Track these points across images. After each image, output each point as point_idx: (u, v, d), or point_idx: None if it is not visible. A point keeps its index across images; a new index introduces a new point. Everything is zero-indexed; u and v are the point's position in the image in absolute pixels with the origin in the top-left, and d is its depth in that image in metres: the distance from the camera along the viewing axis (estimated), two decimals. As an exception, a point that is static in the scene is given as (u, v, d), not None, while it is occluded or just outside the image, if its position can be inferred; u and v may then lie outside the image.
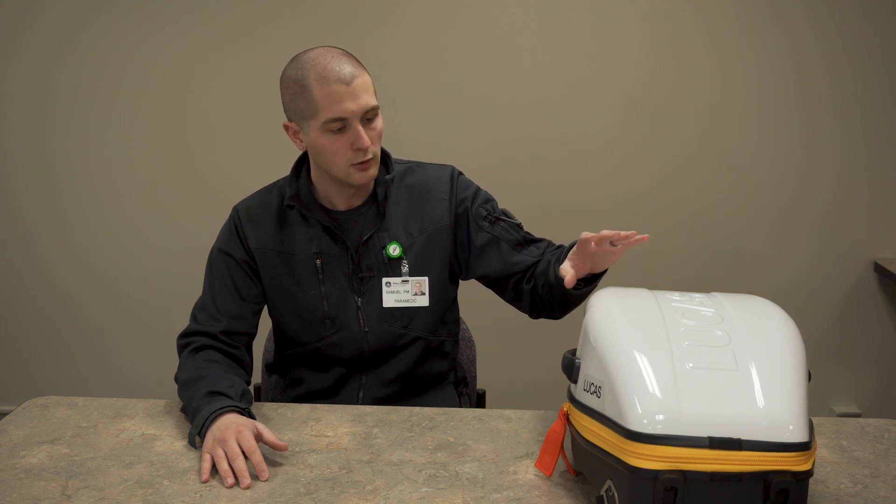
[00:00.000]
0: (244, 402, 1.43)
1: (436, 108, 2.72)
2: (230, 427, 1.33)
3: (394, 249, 1.63)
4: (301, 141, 1.57)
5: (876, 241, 2.80)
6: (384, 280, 1.63)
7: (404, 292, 1.64)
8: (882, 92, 2.70)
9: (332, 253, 1.62)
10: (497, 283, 1.70)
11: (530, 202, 2.76)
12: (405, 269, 1.64)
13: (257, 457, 1.29)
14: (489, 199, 1.70)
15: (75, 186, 2.82)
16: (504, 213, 1.69)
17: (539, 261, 1.65)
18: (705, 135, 2.74)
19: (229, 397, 1.41)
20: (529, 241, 1.68)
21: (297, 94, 1.51)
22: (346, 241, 1.62)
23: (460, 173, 1.71)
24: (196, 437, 1.38)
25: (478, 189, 1.71)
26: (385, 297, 1.64)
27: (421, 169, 1.70)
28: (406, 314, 1.65)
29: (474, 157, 2.73)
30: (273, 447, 1.33)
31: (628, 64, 2.70)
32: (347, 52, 1.55)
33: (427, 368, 1.71)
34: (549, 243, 1.69)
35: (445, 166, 1.71)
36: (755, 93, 2.71)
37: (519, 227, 1.68)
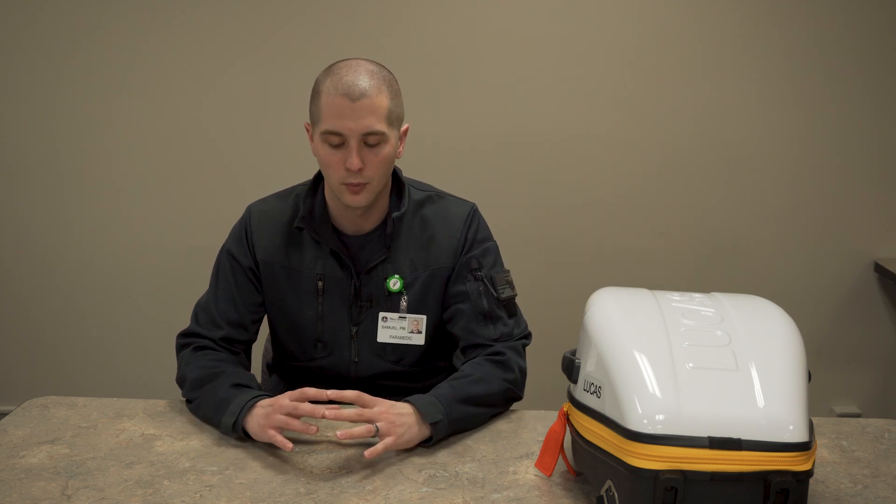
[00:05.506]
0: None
1: (436, 109, 2.72)
2: (266, 413, 1.37)
3: (394, 283, 1.58)
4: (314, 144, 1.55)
5: (876, 241, 2.80)
6: (381, 314, 1.59)
7: (400, 329, 1.59)
8: (882, 92, 2.70)
9: (336, 277, 1.58)
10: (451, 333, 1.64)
11: (531, 203, 2.76)
12: (404, 304, 1.59)
13: (303, 412, 1.34)
14: (488, 254, 1.61)
15: (75, 186, 2.82)
16: (492, 279, 1.59)
17: (467, 346, 1.58)
18: (705, 135, 2.74)
19: (253, 388, 1.46)
20: (494, 317, 1.58)
21: (313, 97, 1.50)
22: (351, 268, 1.58)
23: (477, 212, 1.64)
24: (231, 424, 1.38)
25: (486, 238, 1.63)
26: (380, 331, 1.59)
27: (442, 201, 1.63)
28: (399, 350, 1.61)
29: (475, 160, 2.73)
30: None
31: (628, 64, 2.69)
32: (380, 72, 1.48)
33: (422, 387, 1.69)
34: (506, 336, 1.57)
35: (466, 203, 1.65)
36: (755, 93, 2.70)
37: (497, 300, 1.58)
